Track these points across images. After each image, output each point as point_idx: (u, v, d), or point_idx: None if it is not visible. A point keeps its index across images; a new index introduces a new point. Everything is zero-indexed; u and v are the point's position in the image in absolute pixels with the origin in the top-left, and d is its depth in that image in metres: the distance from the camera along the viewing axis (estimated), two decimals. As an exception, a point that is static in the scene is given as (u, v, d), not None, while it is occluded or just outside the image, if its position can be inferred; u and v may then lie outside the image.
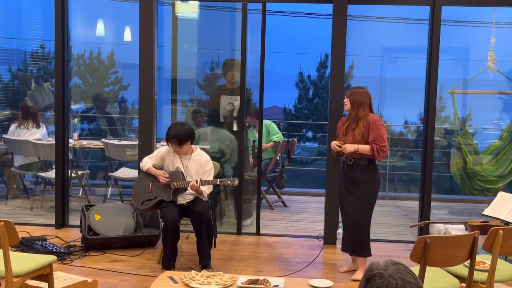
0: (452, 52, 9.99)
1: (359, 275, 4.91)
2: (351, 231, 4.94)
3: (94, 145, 7.87)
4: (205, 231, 4.90)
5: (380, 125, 4.80)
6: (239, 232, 6.22)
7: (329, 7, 5.86)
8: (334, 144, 4.96)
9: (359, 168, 4.87)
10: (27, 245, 5.20)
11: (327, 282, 3.77)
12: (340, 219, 5.32)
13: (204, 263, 4.90)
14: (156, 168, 5.18)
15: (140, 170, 5.40)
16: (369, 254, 4.97)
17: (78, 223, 6.02)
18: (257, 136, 6.73)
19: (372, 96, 4.96)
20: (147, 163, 5.19)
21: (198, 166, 5.10)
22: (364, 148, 4.80)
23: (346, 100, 4.90)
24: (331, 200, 5.63)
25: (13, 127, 7.45)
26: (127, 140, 7.77)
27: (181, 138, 4.99)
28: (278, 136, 7.64)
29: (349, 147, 4.83)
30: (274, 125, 7.78)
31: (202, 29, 7.17)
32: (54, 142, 6.31)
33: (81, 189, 7.49)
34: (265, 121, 7.65)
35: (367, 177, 4.87)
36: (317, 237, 6.07)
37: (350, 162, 4.91)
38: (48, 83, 8.83)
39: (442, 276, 3.74)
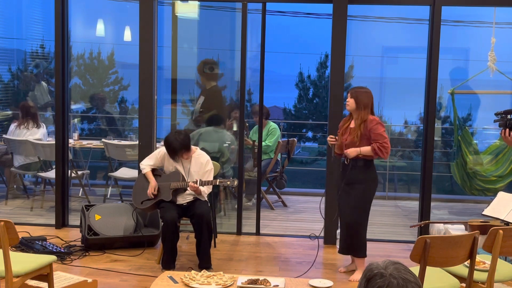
0: (452, 52, 9.98)
1: (357, 275, 4.90)
2: (347, 231, 4.93)
3: (94, 145, 7.87)
4: (206, 233, 4.90)
5: (377, 124, 4.77)
6: (239, 232, 6.23)
7: (329, 7, 5.85)
8: (328, 138, 4.97)
9: (355, 168, 4.85)
10: (27, 245, 5.20)
11: (327, 282, 3.77)
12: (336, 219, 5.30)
13: (204, 266, 4.88)
14: (156, 169, 5.20)
15: (140, 170, 5.41)
16: (364, 255, 4.95)
17: (78, 223, 6.02)
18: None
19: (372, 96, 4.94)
20: (146, 166, 5.19)
21: (199, 167, 5.10)
22: (366, 149, 4.76)
23: (350, 101, 4.83)
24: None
25: (13, 127, 7.45)
26: (127, 140, 7.77)
27: (187, 145, 5.02)
28: (270, 141, 7.53)
29: (352, 152, 4.78)
30: (276, 131, 7.65)
31: (202, 29, 7.16)
32: (54, 142, 6.31)
33: (81, 189, 7.48)
34: (271, 123, 7.62)
35: (364, 177, 4.85)
36: (309, 236, 5.99)
37: (347, 162, 4.89)
38: (43, 82, 8.82)
39: (442, 276, 3.74)
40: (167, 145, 5.00)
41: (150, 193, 5.06)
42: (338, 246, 5.75)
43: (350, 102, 4.83)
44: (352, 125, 4.90)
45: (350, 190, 4.88)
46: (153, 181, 5.10)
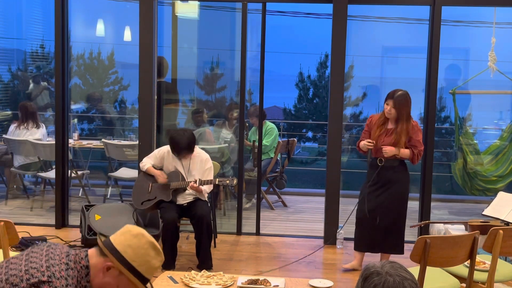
0: (452, 52, 9.98)
1: None
2: (387, 231, 4.92)
3: (94, 145, 7.86)
4: (206, 235, 4.90)
5: (417, 130, 4.85)
6: (239, 232, 6.22)
7: (329, 7, 5.85)
8: (365, 142, 4.86)
9: (391, 169, 4.87)
10: (27, 245, 5.20)
11: (327, 282, 3.77)
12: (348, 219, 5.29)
13: (204, 266, 4.87)
14: (155, 169, 5.19)
15: (140, 170, 5.41)
16: (403, 252, 4.97)
17: (78, 223, 6.01)
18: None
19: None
20: (147, 163, 5.19)
21: (198, 165, 5.10)
22: (405, 152, 4.80)
23: (392, 111, 4.76)
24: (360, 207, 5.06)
25: (12, 127, 7.44)
26: (127, 140, 7.76)
27: (194, 142, 5.03)
28: (268, 141, 7.51)
29: (390, 152, 4.79)
30: (274, 130, 7.64)
31: (202, 29, 7.17)
32: (54, 142, 6.31)
33: (81, 189, 7.48)
34: (268, 123, 7.61)
35: (401, 177, 4.89)
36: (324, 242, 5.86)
37: (381, 163, 4.88)
38: (45, 82, 8.82)
39: (442, 276, 3.74)
40: (175, 142, 4.98)
41: (163, 180, 5.05)
42: (338, 246, 5.75)
43: (392, 112, 4.78)
44: (390, 126, 4.87)
45: (386, 191, 4.88)
46: (158, 171, 5.10)
